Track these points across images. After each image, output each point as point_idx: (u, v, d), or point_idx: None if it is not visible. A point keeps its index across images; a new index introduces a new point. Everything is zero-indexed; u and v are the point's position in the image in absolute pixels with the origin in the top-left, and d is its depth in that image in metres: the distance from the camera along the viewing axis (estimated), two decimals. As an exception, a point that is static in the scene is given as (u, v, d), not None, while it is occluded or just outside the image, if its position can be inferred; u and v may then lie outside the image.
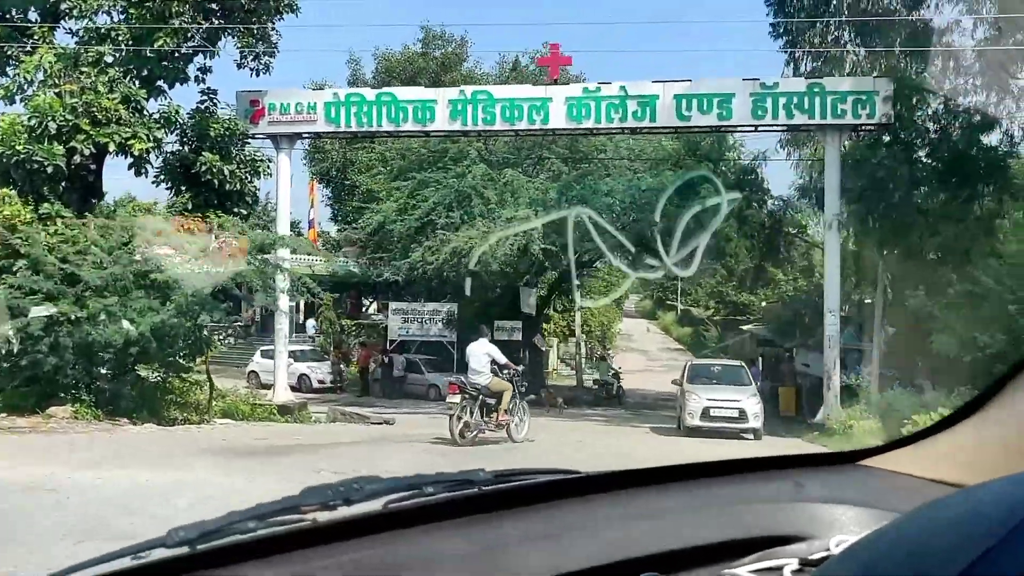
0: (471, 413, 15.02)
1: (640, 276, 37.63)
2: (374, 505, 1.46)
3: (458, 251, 27.25)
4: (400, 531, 1.39)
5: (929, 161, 22.45)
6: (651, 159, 30.64)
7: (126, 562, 1.33)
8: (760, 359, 34.77)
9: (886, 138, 22.47)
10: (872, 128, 22.40)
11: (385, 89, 27.29)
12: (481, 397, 15.12)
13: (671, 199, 28.26)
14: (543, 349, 36.44)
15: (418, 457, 13.72)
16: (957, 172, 22.16)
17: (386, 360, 33.40)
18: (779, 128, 23.80)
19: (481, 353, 15.40)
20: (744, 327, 43.57)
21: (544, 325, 39.18)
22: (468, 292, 31.36)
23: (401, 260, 28.81)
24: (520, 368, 17.76)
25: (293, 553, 1.33)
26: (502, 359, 15.70)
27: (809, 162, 27.38)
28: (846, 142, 23.00)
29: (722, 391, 20.39)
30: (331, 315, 39.33)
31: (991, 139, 21.52)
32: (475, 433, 15.03)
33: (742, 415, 19.78)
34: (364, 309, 46.03)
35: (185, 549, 1.31)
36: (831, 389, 22.01)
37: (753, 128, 23.99)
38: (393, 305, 37.51)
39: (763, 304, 43.84)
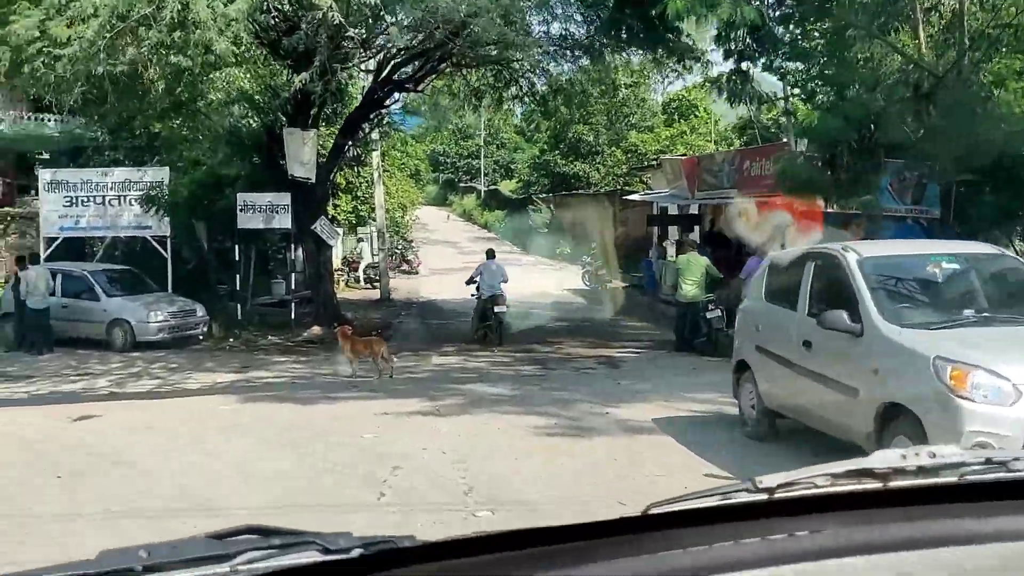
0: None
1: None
2: (949, 476, 1.45)
3: (160, 42, 11.18)
4: (971, 504, 1.39)
5: None
6: None
7: (715, 500, 1.43)
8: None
9: None
10: None
11: None
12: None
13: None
14: (331, 242, 20.76)
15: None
16: None
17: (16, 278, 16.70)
18: None
19: (500, 273, 17.19)
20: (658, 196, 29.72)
21: (329, 205, 23.29)
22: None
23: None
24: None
25: (863, 512, 1.38)
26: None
27: None
28: None
29: None
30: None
31: None
32: None
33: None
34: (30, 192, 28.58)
35: (764, 496, 1.40)
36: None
37: None
38: (46, 174, 20.51)
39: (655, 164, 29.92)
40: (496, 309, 16.81)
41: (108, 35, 11.02)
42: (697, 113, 41.82)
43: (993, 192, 15.42)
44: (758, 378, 8.02)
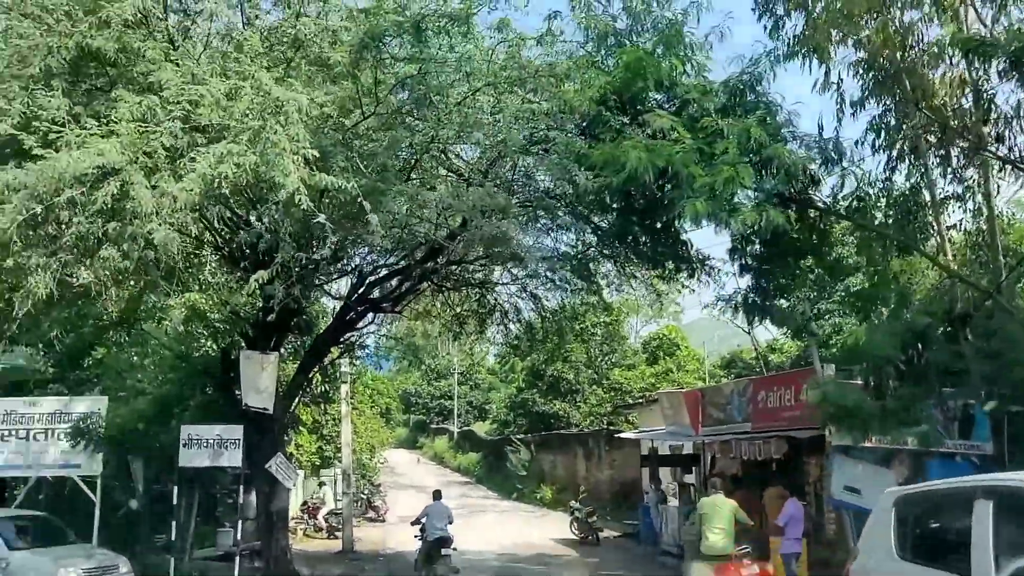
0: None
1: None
2: None
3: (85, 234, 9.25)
4: None
5: None
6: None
7: None
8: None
9: None
10: None
11: None
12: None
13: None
14: (288, 485, 17.93)
15: None
16: None
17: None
18: None
19: (446, 514, 17.08)
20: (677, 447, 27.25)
21: (289, 438, 20.68)
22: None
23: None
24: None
25: None
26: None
27: None
28: None
29: None
30: None
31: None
32: None
33: None
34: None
35: None
36: None
37: None
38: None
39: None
40: (443, 551, 16.64)
41: (20, 223, 8.93)
42: (680, 350, 40.42)
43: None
44: None
